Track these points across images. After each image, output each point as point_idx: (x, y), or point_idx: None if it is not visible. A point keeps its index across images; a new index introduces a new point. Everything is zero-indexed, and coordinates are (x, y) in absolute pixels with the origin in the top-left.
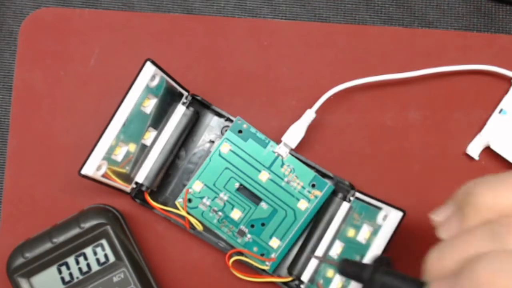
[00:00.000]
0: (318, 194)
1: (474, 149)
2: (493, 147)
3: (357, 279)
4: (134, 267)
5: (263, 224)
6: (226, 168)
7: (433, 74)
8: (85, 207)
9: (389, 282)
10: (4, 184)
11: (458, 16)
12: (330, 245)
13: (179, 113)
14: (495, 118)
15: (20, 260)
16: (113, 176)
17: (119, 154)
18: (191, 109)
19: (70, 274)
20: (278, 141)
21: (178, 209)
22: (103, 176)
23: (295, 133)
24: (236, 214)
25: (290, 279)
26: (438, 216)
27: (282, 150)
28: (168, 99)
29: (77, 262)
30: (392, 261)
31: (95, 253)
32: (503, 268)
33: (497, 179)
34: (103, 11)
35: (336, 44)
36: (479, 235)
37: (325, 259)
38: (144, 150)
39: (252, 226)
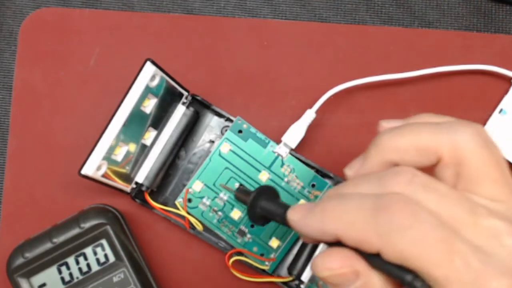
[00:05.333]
0: (318, 194)
1: None
2: None
3: (245, 203)
4: (134, 267)
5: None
6: (226, 168)
7: (433, 74)
8: (85, 207)
9: (265, 206)
10: (4, 184)
11: (458, 16)
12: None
13: (179, 113)
14: (495, 118)
15: (20, 260)
16: (113, 176)
17: (119, 154)
18: (191, 109)
19: (70, 274)
20: (278, 141)
21: (178, 209)
22: (103, 176)
23: (295, 133)
24: (236, 214)
25: (290, 279)
26: (350, 170)
27: (282, 150)
28: (168, 99)
29: (77, 262)
30: (276, 192)
31: (95, 253)
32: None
33: (400, 127)
34: (103, 11)
35: (336, 44)
36: (368, 179)
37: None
38: (144, 150)
39: (252, 226)
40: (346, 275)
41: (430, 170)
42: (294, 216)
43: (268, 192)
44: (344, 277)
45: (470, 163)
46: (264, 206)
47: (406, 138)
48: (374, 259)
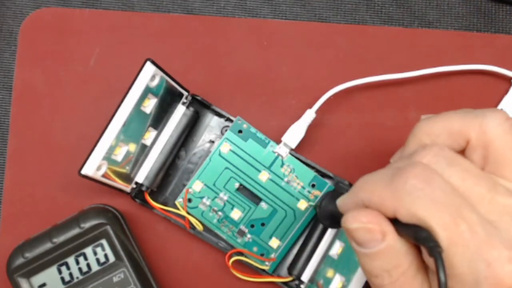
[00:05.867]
0: (318, 194)
1: None
2: None
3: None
4: (134, 267)
5: (263, 224)
6: (226, 168)
7: (433, 74)
8: (85, 207)
9: (324, 205)
10: (4, 184)
11: (458, 16)
12: (330, 245)
13: (179, 113)
14: None
15: (20, 260)
16: (113, 176)
17: (119, 154)
18: (191, 109)
19: (70, 274)
20: (278, 141)
21: (178, 209)
22: (103, 176)
23: (295, 133)
24: (236, 214)
25: (290, 279)
26: (392, 159)
27: (282, 150)
28: (168, 99)
29: (77, 262)
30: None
31: (95, 253)
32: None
33: (435, 114)
34: (103, 11)
35: (336, 44)
36: (401, 158)
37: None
38: (144, 150)
39: (252, 226)
40: (373, 231)
41: (461, 155)
42: (338, 201)
43: (335, 195)
44: (371, 234)
45: (496, 147)
46: (324, 205)
47: (438, 123)
48: (397, 225)
